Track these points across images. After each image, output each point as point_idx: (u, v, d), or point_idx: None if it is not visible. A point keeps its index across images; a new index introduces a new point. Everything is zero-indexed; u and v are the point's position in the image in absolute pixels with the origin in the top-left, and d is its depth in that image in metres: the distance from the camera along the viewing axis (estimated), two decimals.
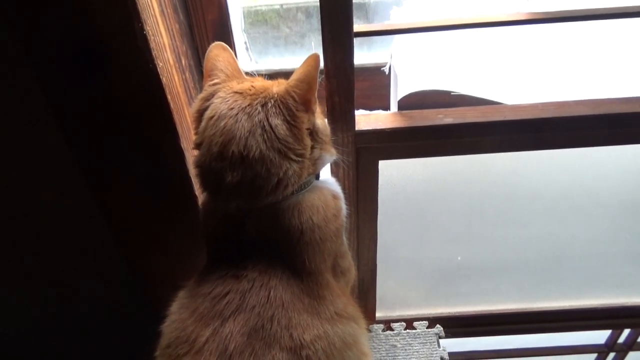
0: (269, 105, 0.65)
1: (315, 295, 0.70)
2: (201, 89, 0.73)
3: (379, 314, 1.23)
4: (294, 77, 0.65)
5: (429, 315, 1.22)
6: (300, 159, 0.67)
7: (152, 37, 0.69)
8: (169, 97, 0.75)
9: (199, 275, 0.73)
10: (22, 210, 0.94)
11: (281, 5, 1.05)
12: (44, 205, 0.93)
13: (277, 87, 0.67)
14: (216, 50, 0.72)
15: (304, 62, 0.64)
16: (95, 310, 1.12)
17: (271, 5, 1.06)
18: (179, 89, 0.82)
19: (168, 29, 0.78)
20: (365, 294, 1.15)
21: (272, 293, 0.66)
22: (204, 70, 0.72)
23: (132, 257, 0.96)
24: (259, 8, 1.06)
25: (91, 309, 1.12)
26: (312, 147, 0.70)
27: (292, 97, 0.65)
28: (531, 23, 0.77)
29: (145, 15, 0.67)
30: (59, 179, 0.90)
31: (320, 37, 0.71)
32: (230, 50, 0.73)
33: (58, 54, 0.69)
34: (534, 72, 0.91)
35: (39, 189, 0.91)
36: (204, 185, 0.70)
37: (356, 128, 0.84)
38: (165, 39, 0.75)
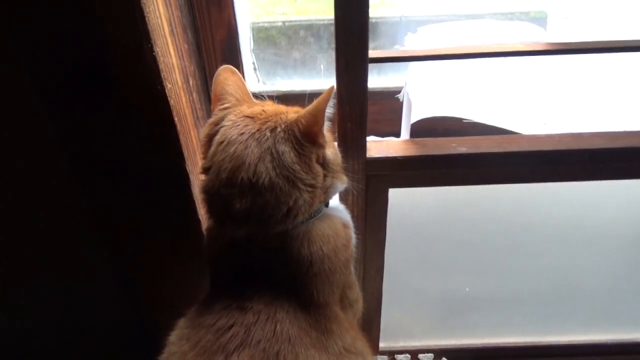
0: (278, 130, 0.63)
1: (323, 329, 0.67)
2: (208, 111, 0.71)
3: (382, 345, 1.20)
4: (307, 107, 0.63)
5: (435, 347, 1.19)
6: (310, 188, 0.65)
7: (161, 58, 0.67)
8: (176, 119, 0.73)
9: (200, 304, 0.70)
10: (22, 233, 0.92)
11: (283, 22, 1.04)
12: (41, 224, 0.91)
13: (292, 114, 0.65)
14: (225, 74, 0.70)
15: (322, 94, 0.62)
16: (91, 336, 1.09)
17: (273, 22, 1.04)
18: (186, 111, 0.80)
19: (177, 50, 0.76)
20: (369, 324, 1.12)
21: (278, 327, 0.63)
22: (213, 94, 0.71)
23: (131, 280, 0.93)
24: (261, 25, 1.04)
25: (87, 334, 1.09)
26: (325, 176, 0.67)
27: (298, 127, 0.63)
28: (548, 54, 0.76)
29: (155, 36, 0.65)
30: (58, 197, 0.87)
31: (330, 59, 0.69)
32: (239, 74, 0.72)
33: (62, 72, 0.67)
34: (546, 102, 0.89)
35: (38, 209, 0.89)
36: (211, 212, 0.67)
37: (367, 155, 0.82)
38: (174, 60, 0.74)
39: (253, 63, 1.05)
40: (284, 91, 1.03)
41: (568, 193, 0.97)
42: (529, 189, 0.95)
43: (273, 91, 1.02)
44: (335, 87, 0.62)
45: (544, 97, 0.89)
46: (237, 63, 0.97)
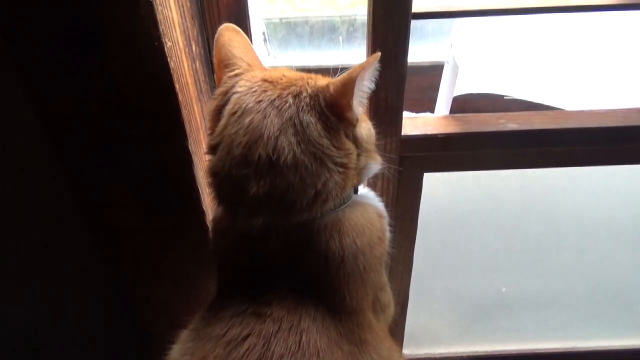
0: (303, 95, 0.54)
1: (357, 340, 0.58)
2: (212, 86, 0.59)
3: (405, 351, 1.11)
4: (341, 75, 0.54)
5: (463, 354, 1.11)
6: (342, 168, 0.55)
7: (159, 7, 0.56)
8: (177, 86, 0.62)
9: (207, 311, 0.61)
10: (19, 233, 0.84)
11: (280, 19, 0.97)
12: (28, 216, 0.82)
13: (322, 80, 0.55)
14: (228, 34, 0.60)
15: None
16: (90, 336, 1.01)
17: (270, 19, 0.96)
18: (189, 79, 0.68)
19: (178, 4, 0.64)
20: (392, 328, 1.01)
21: (304, 338, 0.54)
22: (215, 59, 0.60)
23: (123, 281, 0.83)
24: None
25: (85, 334, 1.01)
26: (358, 155, 0.57)
27: (324, 95, 0.53)
28: (627, 9, 0.64)
29: None
30: (41, 187, 0.77)
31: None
32: (244, 34, 0.61)
33: (38, 29, 0.55)
34: (609, 75, 0.78)
35: (20, 199, 0.80)
36: (221, 197, 0.57)
37: (402, 133, 0.70)
38: (174, 14, 0.62)
39: (263, 33, 0.93)
40: (297, 66, 0.91)
41: (622, 180, 0.88)
42: (577, 174, 0.85)
43: (286, 66, 0.91)
44: (375, 61, 0.51)
45: (605, 70, 0.78)
46: (246, 32, 0.85)
